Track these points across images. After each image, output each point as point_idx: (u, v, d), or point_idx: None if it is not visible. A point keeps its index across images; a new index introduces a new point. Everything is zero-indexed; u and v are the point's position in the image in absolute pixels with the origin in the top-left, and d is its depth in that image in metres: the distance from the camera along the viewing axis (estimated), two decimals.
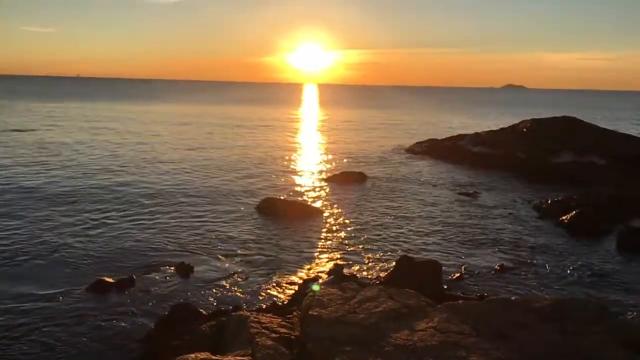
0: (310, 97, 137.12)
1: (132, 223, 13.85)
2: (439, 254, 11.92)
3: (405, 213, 15.69)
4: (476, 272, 10.91)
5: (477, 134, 28.05)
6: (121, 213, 14.78)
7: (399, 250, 12.03)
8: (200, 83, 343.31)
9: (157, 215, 14.67)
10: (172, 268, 10.66)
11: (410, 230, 13.86)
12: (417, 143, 30.56)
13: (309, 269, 10.93)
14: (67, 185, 18.11)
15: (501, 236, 13.52)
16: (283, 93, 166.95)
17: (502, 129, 27.46)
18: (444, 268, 10.14)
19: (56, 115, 49.60)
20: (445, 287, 9.70)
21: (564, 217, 14.67)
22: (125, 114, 54.03)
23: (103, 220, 13.99)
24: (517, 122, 28.18)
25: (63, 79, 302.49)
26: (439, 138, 30.32)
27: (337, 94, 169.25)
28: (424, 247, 12.55)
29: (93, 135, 33.48)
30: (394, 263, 10.32)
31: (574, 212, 14.61)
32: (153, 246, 12.10)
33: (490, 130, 27.95)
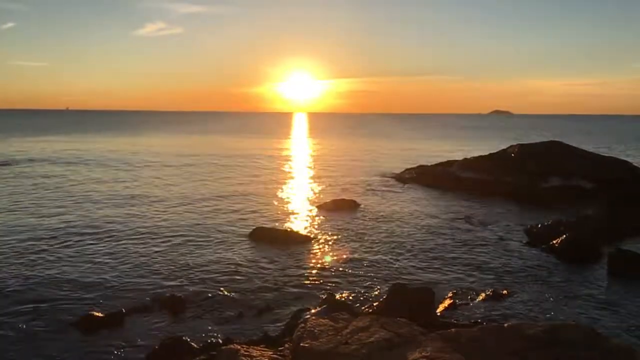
0: (300, 126, 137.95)
1: (121, 255, 13.71)
2: (432, 280, 11.90)
3: (397, 240, 15.67)
4: (468, 298, 10.88)
5: (466, 159, 28.27)
6: (110, 245, 14.64)
7: (392, 278, 11.98)
8: (190, 114, 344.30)
9: (147, 247, 14.54)
10: (163, 300, 10.52)
11: (402, 258, 13.83)
12: (407, 170, 30.72)
13: (301, 298, 10.84)
14: (49, 218, 17.95)
15: (492, 261, 13.53)
16: (273, 122, 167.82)
17: (490, 155, 27.71)
18: (436, 294, 10.10)
19: (39, 149, 49.49)
20: (438, 314, 9.65)
21: (554, 242, 14.71)
22: (112, 146, 54.00)
23: (91, 253, 13.85)
24: (504, 147, 28.47)
25: (51, 112, 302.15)
26: (429, 164, 30.51)
27: (327, 123, 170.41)
28: (416, 274, 12.52)
29: (76, 169, 33.33)
30: (386, 290, 10.27)
31: (564, 236, 14.67)
32: (143, 278, 11.96)
33: (479, 156, 28.16)
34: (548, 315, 9.97)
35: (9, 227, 16.65)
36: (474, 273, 12.62)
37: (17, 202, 20.98)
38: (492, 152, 28.71)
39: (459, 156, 31.60)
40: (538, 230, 16.43)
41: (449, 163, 28.80)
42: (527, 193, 22.85)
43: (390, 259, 13.73)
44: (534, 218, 18.22)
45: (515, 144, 28.47)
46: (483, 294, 11.05)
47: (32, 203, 20.76)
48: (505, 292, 11.21)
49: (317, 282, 11.89)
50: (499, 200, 22.35)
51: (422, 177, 27.94)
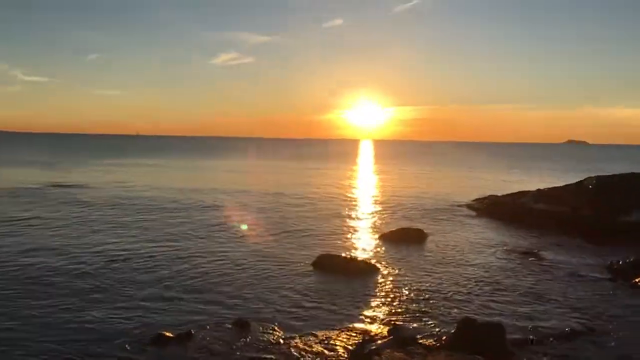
0: (366, 153, 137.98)
1: (188, 278, 14.07)
2: (503, 316, 11.39)
3: (465, 272, 15.20)
4: (543, 337, 10.31)
5: (539, 190, 27.18)
6: (177, 268, 15.08)
7: (460, 311, 11.59)
8: (260, 140, 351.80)
9: (213, 271, 14.84)
10: (229, 323, 10.69)
11: (471, 291, 13.37)
12: (476, 199, 29.94)
13: (366, 329, 10.67)
14: (116, 239, 18.74)
15: (569, 299, 12.81)
16: (340, 149, 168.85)
17: (565, 186, 26.51)
18: (508, 331, 9.67)
19: (110, 171, 52.03)
20: (510, 351, 9.21)
21: (637, 280, 13.81)
22: (178, 169, 56.00)
23: (159, 275, 14.31)
24: (580, 178, 27.20)
25: (122, 137, 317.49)
26: (499, 194, 29.60)
27: (391, 150, 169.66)
28: (486, 309, 12.03)
29: (148, 191, 34.68)
30: (455, 324, 9.95)
31: None
32: (210, 300, 12.21)
33: (553, 187, 27.02)
34: (631, 358, 9.30)
35: (78, 247, 17.49)
36: (547, 309, 12.00)
37: (84, 223, 22.02)
38: (567, 183, 27.49)
39: (530, 187, 30.45)
40: (619, 266, 15.48)
41: (521, 194, 27.79)
42: (605, 227, 21.62)
43: (459, 291, 13.30)
44: (614, 254, 17.16)
45: (592, 175, 27.15)
46: (558, 332, 10.47)
47: (101, 223, 21.76)
48: (582, 331, 10.58)
49: (382, 313, 11.69)
50: (575, 233, 21.26)
51: (492, 207, 27.10)
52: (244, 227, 21.82)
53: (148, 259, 15.91)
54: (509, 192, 29.94)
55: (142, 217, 23.76)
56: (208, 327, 10.52)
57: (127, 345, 9.58)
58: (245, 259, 16.18)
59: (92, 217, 23.39)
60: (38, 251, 16.56)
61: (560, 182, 29.21)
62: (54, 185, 35.42)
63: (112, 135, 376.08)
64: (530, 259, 17.08)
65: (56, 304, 11.65)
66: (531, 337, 10.23)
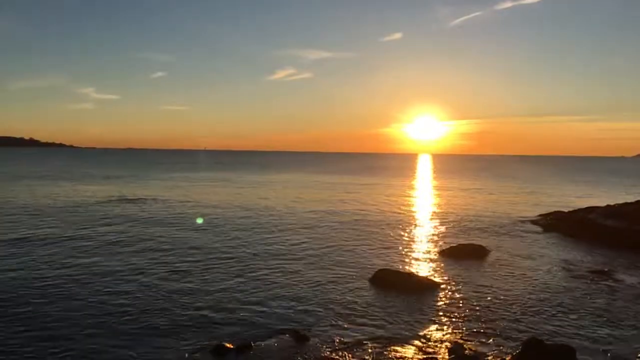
0: (424, 166, 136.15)
1: (247, 290, 14.25)
2: (572, 339, 10.85)
3: (530, 291, 14.61)
4: None
5: (608, 206, 25.94)
6: (237, 279, 15.31)
7: (525, 333, 11.13)
8: (318, 154, 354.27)
9: (273, 282, 14.98)
10: (287, 335, 10.72)
11: (537, 311, 12.81)
12: (540, 215, 28.88)
13: (427, 347, 10.43)
14: (178, 251, 19.22)
15: None
16: (400, 163, 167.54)
17: (637, 202, 25.16)
18: (579, 355, 9.20)
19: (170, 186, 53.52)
20: None
21: None
22: (238, 184, 57.03)
23: (220, 285, 14.55)
24: None
25: (191, 152, 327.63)
26: (565, 210, 28.42)
27: (451, 163, 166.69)
28: (554, 331, 11.49)
29: (205, 201, 35.45)
30: (520, 346, 9.56)
31: None
32: (268, 312, 12.30)
33: (624, 203, 25.68)
34: None
35: (142, 260, 18.06)
36: (620, 333, 11.32)
37: (148, 236, 22.76)
38: (639, 199, 26.07)
39: (599, 202, 29.11)
40: None
41: (590, 210, 26.59)
42: None
43: (523, 311, 12.79)
44: None
45: None
46: (633, 359, 9.86)
47: (163, 237, 22.42)
48: None
49: (442, 331, 11.39)
50: None
51: (558, 224, 26.02)
52: (303, 242, 21.92)
53: (207, 271, 16.25)
54: (576, 207, 28.74)
55: (201, 230, 24.35)
56: (267, 338, 10.61)
57: (187, 355, 9.76)
58: (303, 273, 16.23)
59: (156, 230, 24.19)
60: (101, 257, 17.29)
61: (631, 198, 27.77)
62: (122, 200, 36.95)
63: (180, 151, 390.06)
64: (600, 278, 16.22)
65: (118, 316, 12.04)
66: None
